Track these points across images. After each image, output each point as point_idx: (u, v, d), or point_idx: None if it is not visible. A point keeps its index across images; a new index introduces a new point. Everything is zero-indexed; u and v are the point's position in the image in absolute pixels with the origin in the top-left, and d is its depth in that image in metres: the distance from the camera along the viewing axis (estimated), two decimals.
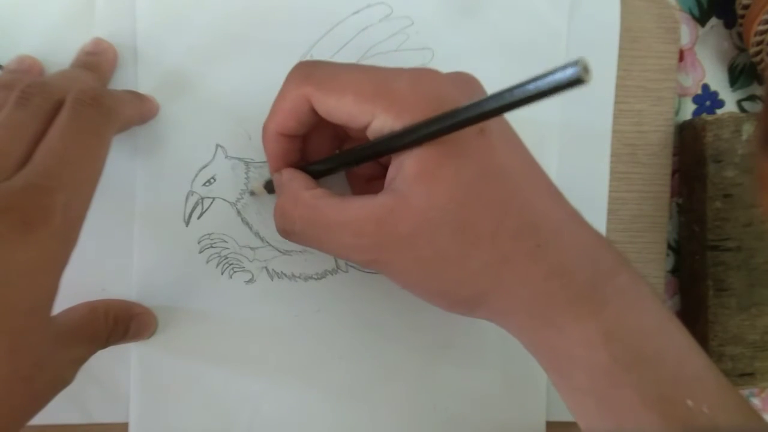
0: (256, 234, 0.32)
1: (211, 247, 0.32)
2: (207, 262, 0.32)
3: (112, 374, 0.31)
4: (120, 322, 0.28)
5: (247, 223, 0.32)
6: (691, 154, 0.34)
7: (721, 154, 0.33)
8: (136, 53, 0.31)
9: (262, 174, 0.32)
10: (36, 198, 0.22)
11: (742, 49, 0.36)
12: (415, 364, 0.33)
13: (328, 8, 0.32)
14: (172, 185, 0.31)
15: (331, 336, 0.32)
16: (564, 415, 0.33)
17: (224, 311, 0.32)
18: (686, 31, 0.35)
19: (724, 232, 0.33)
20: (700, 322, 0.34)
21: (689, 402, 0.23)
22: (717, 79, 0.36)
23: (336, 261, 0.32)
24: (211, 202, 0.31)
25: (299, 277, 0.32)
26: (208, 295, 0.32)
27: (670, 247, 0.36)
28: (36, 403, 0.24)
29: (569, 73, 0.17)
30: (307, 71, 0.26)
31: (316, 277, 0.32)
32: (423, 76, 0.25)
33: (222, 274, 0.32)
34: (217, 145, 0.31)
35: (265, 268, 0.32)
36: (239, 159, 0.31)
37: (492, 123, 0.24)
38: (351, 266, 0.32)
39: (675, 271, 0.36)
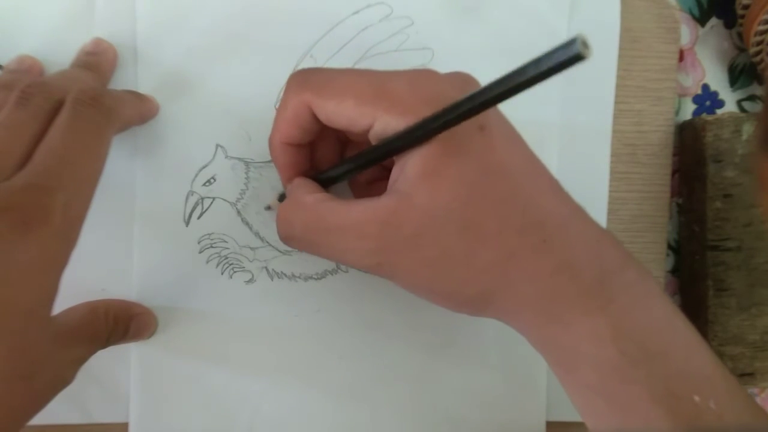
0: (256, 234, 0.32)
1: (211, 247, 0.32)
2: (207, 262, 0.32)
3: (112, 374, 0.31)
4: (120, 322, 0.28)
5: (247, 223, 0.32)
6: (691, 154, 0.34)
7: (721, 154, 0.33)
8: (136, 53, 0.31)
9: (262, 174, 0.32)
10: (36, 198, 0.22)
11: (742, 49, 0.36)
12: (416, 363, 0.33)
13: (328, 8, 0.32)
14: (172, 185, 0.31)
15: (332, 336, 0.32)
16: (564, 415, 0.33)
17: (224, 311, 0.32)
18: (686, 31, 0.35)
19: (724, 232, 0.33)
20: (700, 322, 0.34)
21: (696, 398, 0.23)
22: (717, 79, 0.36)
23: None
24: (211, 202, 0.31)
25: (299, 277, 0.32)
26: (208, 295, 0.32)
27: (670, 247, 0.36)
28: (36, 403, 0.24)
29: (570, 50, 0.17)
30: (305, 78, 0.26)
31: (316, 277, 0.32)
32: (421, 76, 0.25)
33: (222, 274, 0.32)
34: (217, 145, 0.31)
35: (265, 268, 0.32)
36: (239, 159, 0.31)
37: (492, 121, 0.24)
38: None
39: (675, 271, 0.36)
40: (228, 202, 0.32)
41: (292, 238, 0.26)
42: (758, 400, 0.37)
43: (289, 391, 0.32)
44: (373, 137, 0.25)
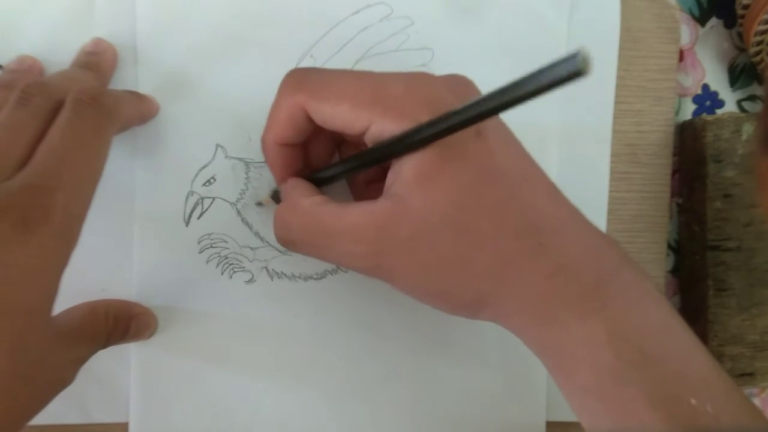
0: (256, 234, 0.32)
1: (211, 247, 0.32)
2: (207, 262, 0.32)
3: (112, 374, 0.31)
4: (120, 322, 0.28)
5: (247, 223, 0.32)
6: (691, 154, 0.34)
7: (721, 154, 0.33)
8: (136, 53, 0.31)
9: (262, 174, 0.32)
10: (36, 198, 0.22)
11: (742, 49, 0.36)
12: (415, 364, 0.33)
13: (328, 8, 0.32)
14: (172, 185, 0.31)
15: (331, 336, 0.32)
16: (564, 415, 0.33)
17: (224, 311, 0.32)
18: (686, 31, 0.35)
19: (724, 232, 0.33)
20: (700, 322, 0.34)
21: (693, 401, 0.23)
22: (717, 79, 0.36)
23: None
24: (211, 202, 0.31)
25: (299, 277, 0.32)
26: (208, 295, 0.32)
27: (670, 247, 0.36)
28: (36, 403, 0.24)
29: (569, 66, 0.17)
30: (300, 79, 0.26)
31: (316, 277, 0.32)
32: (418, 79, 0.25)
33: (222, 274, 0.32)
34: (217, 145, 0.31)
35: (265, 268, 0.32)
36: (239, 159, 0.31)
37: (489, 125, 0.24)
38: None
39: (675, 271, 0.36)
40: (228, 202, 0.32)
41: (289, 241, 0.27)
42: (758, 400, 0.37)
43: (288, 391, 0.32)
44: (369, 140, 0.25)
